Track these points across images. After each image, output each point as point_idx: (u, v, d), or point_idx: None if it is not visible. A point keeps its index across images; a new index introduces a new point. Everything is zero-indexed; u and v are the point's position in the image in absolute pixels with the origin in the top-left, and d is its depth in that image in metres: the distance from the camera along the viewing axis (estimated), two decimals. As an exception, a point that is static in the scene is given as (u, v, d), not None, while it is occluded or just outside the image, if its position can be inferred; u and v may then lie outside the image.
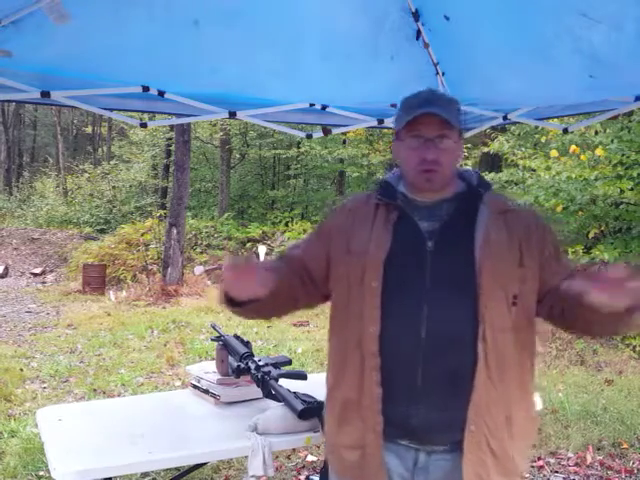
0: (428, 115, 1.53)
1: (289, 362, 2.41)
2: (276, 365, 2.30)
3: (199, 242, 15.59)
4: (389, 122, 3.33)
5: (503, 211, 1.61)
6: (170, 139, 19.03)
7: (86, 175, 23.65)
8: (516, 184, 9.61)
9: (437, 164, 1.55)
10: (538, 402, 2.59)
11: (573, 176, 7.48)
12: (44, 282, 14.42)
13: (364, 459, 1.57)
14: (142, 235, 14.04)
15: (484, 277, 1.51)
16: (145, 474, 3.46)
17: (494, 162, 15.08)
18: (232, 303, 1.59)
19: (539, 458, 3.92)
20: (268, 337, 7.72)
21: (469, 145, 10.93)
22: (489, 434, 1.51)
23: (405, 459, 1.58)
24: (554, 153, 7.84)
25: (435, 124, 1.54)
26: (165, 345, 7.30)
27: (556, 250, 1.62)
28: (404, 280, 1.55)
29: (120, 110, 3.15)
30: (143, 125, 3.46)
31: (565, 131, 3.38)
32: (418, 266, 1.55)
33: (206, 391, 2.48)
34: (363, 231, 1.62)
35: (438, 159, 1.55)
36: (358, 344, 1.57)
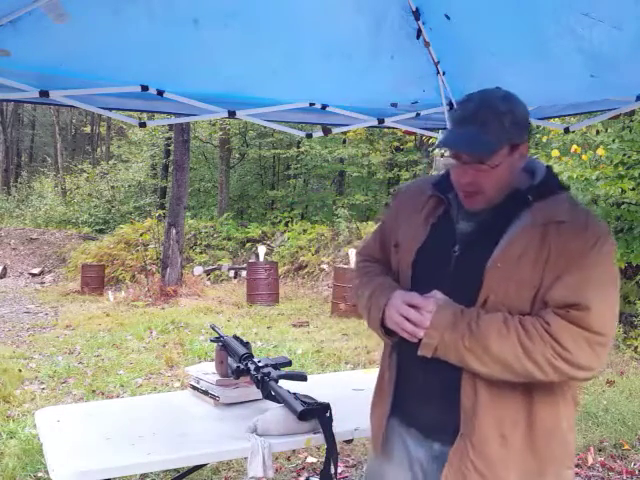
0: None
1: (289, 363, 2.40)
2: (276, 366, 2.28)
3: (198, 242, 15.59)
4: (389, 121, 3.32)
5: (547, 222, 1.45)
6: (169, 139, 19.07)
7: (85, 175, 23.67)
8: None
9: (474, 186, 1.49)
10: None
11: (574, 176, 7.48)
12: (42, 282, 14.42)
13: (376, 430, 1.73)
14: (141, 235, 14.05)
15: (485, 292, 1.48)
16: (144, 475, 3.45)
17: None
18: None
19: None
20: (268, 338, 7.72)
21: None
22: (472, 448, 1.49)
23: (423, 446, 1.64)
24: (555, 153, 7.83)
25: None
26: (164, 346, 7.29)
27: (569, 269, 1.41)
28: (429, 280, 1.56)
29: (119, 110, 3.14)
30: (142, 125, 3.44)
31: (566, 131, 3.37)
32: (442, 268, 1.56)
33: (205, 392, 2.47)
34: (408, 223, 1.67)
35: (475, 181, 1.48)
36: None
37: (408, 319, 1.50)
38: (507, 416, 1.48)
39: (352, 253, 12.61)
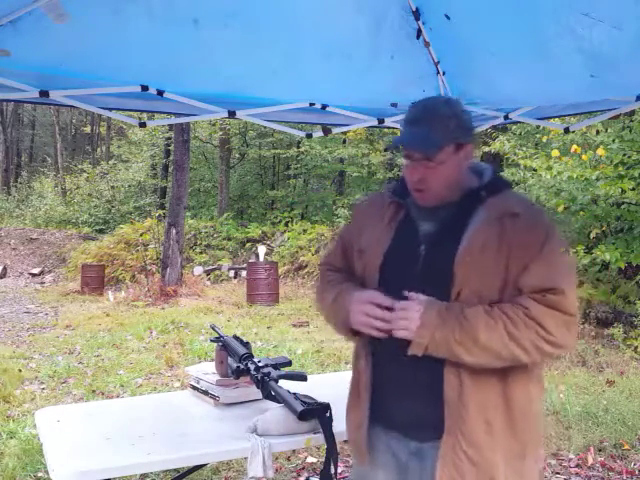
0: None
1: (289, 363, 2.40)
2: (276, 366, 2.28)
3: (198, 242, 15.60)
4: (389, 121, 3.32)
5: (502, 215, 1.56)
6: (169, 139, 19.07)
7: (85, 175, 23.67)
8: (517, 184, 9.61)
9: (424, 183, 1.59)
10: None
11: (574, 176, 7.48)
12: (42, 282, 14.42)
13: (356, 438, 1.75)
14: (141, 235, 14.05)
15: (457, 286, 1.54)
16: (144, 475, 3.45)
17: (495, 162, 15.07)
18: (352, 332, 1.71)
19: (540, 459, 3.92)
20: (268, 338, 7.72)
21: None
22: (463, 440, 1.53)
23: (400, 445, 1.67)
24: (555, 153, 7.83)
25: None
26: (164, 346, 7.29)
27: (534, 259, 1.52)
28: (396, 283, 1.61)
29: (119, 110, 3.14)
30: (142, 125, 3.44)
31: (566, 131, 3.36)
32: (410, 268, 1.62)
33: (205, 392, 2.47)
34: (371, 230, 1.72)
35: (425, 178, 1.58)
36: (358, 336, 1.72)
37: (375, 317, 1.56)
38: (489, 402, 1.54)
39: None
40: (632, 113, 7.48)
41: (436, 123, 1.55)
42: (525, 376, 1.59)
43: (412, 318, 1.51)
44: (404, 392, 1.62)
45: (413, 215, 1.68)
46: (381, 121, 3.31)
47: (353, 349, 1.80)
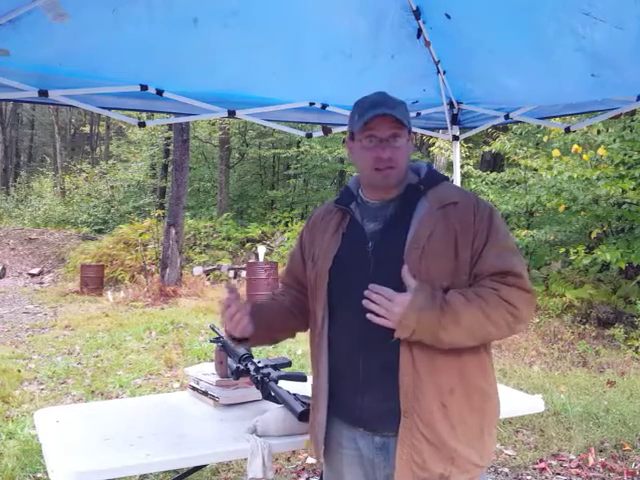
0: (381, 116, 1.64)
1: (289, 364, 2.39)
2: (275, 367, 2.28)
3: (198, 242, 15.57)
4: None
5: (443, 205, 1.66)
6: (169, 138, 19.04)
7: (84, 175, 23.65)
8: (518, 184, 9.62)
9: (392, 161, 1.65)
10: (540, 403, 2.58)
11: (575, 176, 7.47)
12: (42, 283, 14.40)
13: (315, 436, 1.80)
14: (140, 235, 14.02)
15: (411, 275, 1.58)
16: (143, 476, 3.44)
17: (496, 161, 15.10)
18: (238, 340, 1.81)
19: (541, 460, 3.91)
20: (267, 338, 7.69)
21: (470, 144, 10.91)
22: (420, 421, 1.58)
23: (366, 440, 1.71)
24: (556, 152, 7.82)
25: (387, 124, 1.64)
26: (163, 346, 7.28)
27: (485, 244, 1.62)
28: (348, 282, 1.67)
29: (118, 109, 3.14)
30: (141, 124, 3.43)
31: (567, 130, 3.35)
32: (361, 267, 1.66)
33: (205, 393, 2.46)
34: (322, 239, 1.80)
35: (393, 157, 1.65)
36: (313, 342, 1.79)
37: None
38: (444, 385, 1.60)
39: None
40: (633, 113, 7.48)
41: (398, 105, 1.68)
42: (479, 356, 1.66)
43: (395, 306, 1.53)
44: (364, 385, 1.65)
45: (358, 218, 1.75)
46: (381, 121, 3.30)
47: (310, 354, 1.83)
